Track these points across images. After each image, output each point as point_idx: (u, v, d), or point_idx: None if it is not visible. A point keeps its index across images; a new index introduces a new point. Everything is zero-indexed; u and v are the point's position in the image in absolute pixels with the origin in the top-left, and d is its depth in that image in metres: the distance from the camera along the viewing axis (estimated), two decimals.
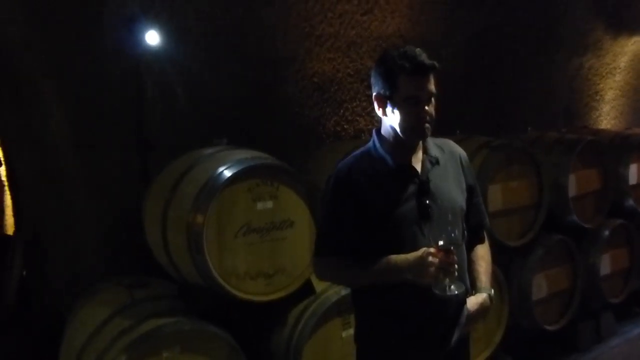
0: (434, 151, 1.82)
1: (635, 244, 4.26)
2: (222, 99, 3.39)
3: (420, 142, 1.81)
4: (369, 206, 1.72)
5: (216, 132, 2.99)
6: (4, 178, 4.32)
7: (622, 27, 5.56)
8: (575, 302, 3.81)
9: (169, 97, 3.22)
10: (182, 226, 2.33)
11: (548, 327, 3.64)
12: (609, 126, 5.98)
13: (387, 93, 1.71)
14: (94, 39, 2.95)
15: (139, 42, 3.02)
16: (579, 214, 3.78)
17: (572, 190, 3.75)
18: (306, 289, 2.57)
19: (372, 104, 4.13)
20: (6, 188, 4.30)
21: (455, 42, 4.37)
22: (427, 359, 1.79)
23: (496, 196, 3.30)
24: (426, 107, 1.70)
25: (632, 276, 4.28)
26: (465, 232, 1.84)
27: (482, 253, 1.94)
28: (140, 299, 2.39)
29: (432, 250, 1.63)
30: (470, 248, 1.91)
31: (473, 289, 1.85)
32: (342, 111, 4.01)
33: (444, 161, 1.82)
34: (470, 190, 1.88)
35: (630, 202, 4.22)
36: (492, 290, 1.87)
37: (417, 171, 1.77)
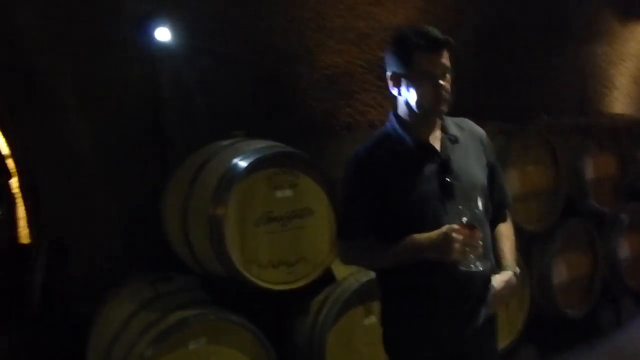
0: (453, 129, 1.81)
1: None
2: (238, 93, 3.41)
3: (439, 121, 1.81)
4: (390, 187, 1.71)
5: (232, 126, 2.99)
6: (16, 190, 4.38)
7: (631, 13, 5.52)
8: (596, 287, 3.79)
9: (185, 93, 3.23)
10: (203, 217, 2.33)
11: (569, 312, 3.61)
12: (620, 112, 5.93)
13: (403, 71, 1.71)
14: (110, 38, 2.98)
15: (154, 40, 3.04)
16: (597, 199, 3.75)
17: (589, 175, 3.72)
18: (327, 277, 2.57)
19: (384, 95, 4.15)
20: (18, 199, 4.37)
21: (465, 32, 4.35)
22: (455, 337, 1.77)
23: (513, 181, 3.27)
24: (442, 82, 1.69)
25: None
26: (490, 209, 1.83)
27: (506, 232, 1.92)
28: (165, 292, 2.39)
29: (456, 226, 1.62)
30: (494, 227, 1.89)
31: (498, 267, 1.84)
32: (354, 102, 4.00)
33: (464, 139, 1.81)
34: (491, 169, 1.86)
35: None
36: (518, 269, 1.85)
37: (437, 150, 1.76)
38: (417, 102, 1.71)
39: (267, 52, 3.50)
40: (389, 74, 1.77)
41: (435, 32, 1.69)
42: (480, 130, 1.89)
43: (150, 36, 3.04)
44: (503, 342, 3.15)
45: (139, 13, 2.99)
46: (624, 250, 4.02)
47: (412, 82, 1.70)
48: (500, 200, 1.92)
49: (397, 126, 1.79)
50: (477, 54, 4.38)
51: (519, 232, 3.19)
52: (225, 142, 2.69)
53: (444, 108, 1.73)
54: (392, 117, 1.82)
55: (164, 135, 3.21)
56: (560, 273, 3.56)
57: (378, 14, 3.88)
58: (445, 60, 1.69)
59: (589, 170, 3.73)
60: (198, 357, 2.19)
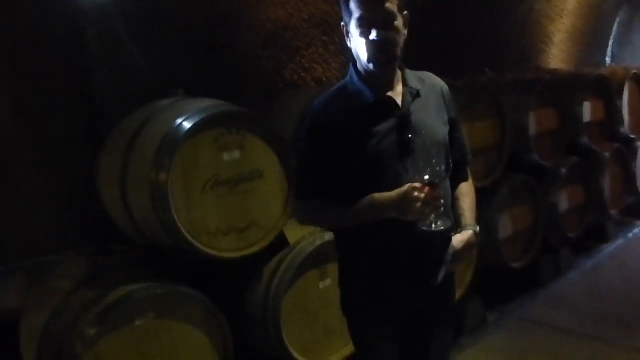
0: (414, 83, 1.72)
1: (590, 181, 4.39)
2: (174, 51, 3.15)
3: (400, 74, 1.71)
4: (347, 143, 1.63)
5: (168, 86, 2.77)
6: None
7: None
8: (538, 239, 3.91)
9: (115, 52, 2.95)
10: (144, 185, 2.14)
11: (514, 264, 3.71)
12: (558, 68, 6.08)
13: (346, 20, 1.64)
14: None
15: None
16: (539, 153, 3.83)
17: (532, 130, 3.78)
18: (280, 242, 2.47)
19: (330, 51, 3.99)
20: None
21: None
22: (413, 297, 1.74)
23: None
24: (381, 31, 1.58)
25: (587, 212, 4.42)
26: (450, 166, 1.77)
27: (466, 190, 1.88)
28: (105, 267, 2.21)
29: (417, 185, 1.55)
30: (454, 185, 1.84)
31: (458, 226, 1.80)
32: (298, 59, 3.83)
33: (425, 93, 1.73)
34: (452, 124, 1.79)
35: (585, 140, 4.31)
36: (478, 227, 1.81)
37: (397, 104, 1.68)
38: (358, 54, 1.63)
39: (204, 5, 3.25)
40: (342, 24, 1.68)
41: None
42: (442, 84, 1.81)
43: None
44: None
45: None
46: (564, 202, 4.15)
47: (352, 32, 1.62)
48: (461, 157, 1.86)
49: (356, 79, 1.69)
50: (422, 9, 4.29)
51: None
52: (164, 102, 2.48)
53: (385, 60, 1.62)
54: (351, 70, 1.71)
55: (92, 99, 2.94)
56: (505, 227, 3.63)
57: None
58: (386, 5, 1.58)
59: (532, 126, 3.78)
60: (146, 333, 2.05)
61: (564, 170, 4.08)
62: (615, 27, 7.03)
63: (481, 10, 5.02)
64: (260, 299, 2.44)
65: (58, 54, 2.81)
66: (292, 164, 2.37)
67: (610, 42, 7.12)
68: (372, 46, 1.59)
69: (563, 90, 4.03)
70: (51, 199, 2.88)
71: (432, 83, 1.78)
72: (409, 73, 1.73)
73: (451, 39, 4.70)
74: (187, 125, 2.13)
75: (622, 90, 4.67)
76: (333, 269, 2.55)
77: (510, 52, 5.59)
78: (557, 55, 6.20)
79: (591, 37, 6.69)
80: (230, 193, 2.25)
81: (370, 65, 1.63)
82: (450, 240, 1.73)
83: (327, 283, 2.57)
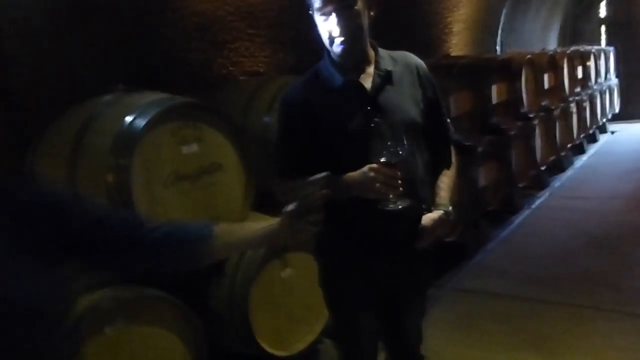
0: (386, 64, 1.74)
1: (501, 157, 4.77)
2: (99, 45, 2.96)
3: (372, 56, 1.75)
4: (317, 125, 1.68)
5: (96, 81, 2.61)
6: None
7: None
8: (463, 213, 4.18)
9: (36, 47, 2.71)
10: (100, 186, 2.01)
11: (446, 239, 3.94)
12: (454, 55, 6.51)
13: (311, 6, 1.67)
14: None
15: None
16: (458, 133, 4.08)
17: (452, 112, 4.03)
18: None
19: (257, 44, 3.96)
20: None
21: None
22: (386, 270, 1.79)
23: None
24: (340, 17, 1.62)
25: (500, 186, 4.80)
26: (424, 147, 1.78)
27: (448, 172, 1.89)
28: (65, 276, 2.03)
29: (374, 165, 1.59)
30: (436, 163, 1.85)
31: (432, 205, 1.83)
32: (226, 52, 3.77)
33: (398, 74, 1.75)
34: (429, 103, 1.79)
35: (495, 119, 4.68)
36: (450, 207, 1.82)
37: (365, 87, 1.71)
38: (323, 40, 1.68)
39: None
40: (309, 12, 1.70)
41: None
42: (417, 63, 1.82)
43: None
44: None
45: None
46: (481, 178, 4.48)
47: (317, 19, 1.67)
48: (442, 137, 1.87)
49: (327, 63, 1.72)
50: None
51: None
52: (106, 98, 2.33)
53: (346, 43, 1.64)
54: (325, 55, 1.74)
55: (12, 99, 2.68)
56: None
57: None
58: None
59: (452, 108, 4.03)
60: (118, 341, 1.93)
61: (480, 148, 4.39)
62: (502, 17, 7.66)
63: (388, 2, 5.24)
64: (226, 293, 2.39)
65: None
66: (250, 155, 2.35)
67: (499, 31, 7.75)
68: (335, 36, 1.63)
69: (475, 74, 4.33)
70: None
71: (405, 62, 1.80)
72: (383, 54, 1.76)
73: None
74: (143, 119, 2.03)
75: (521, 73, 5.12)
76: (293, 257, 2.59)
77: (415, 40, 5.90)
78: (456, 44, 6.64)
79: (484, 26, 7.24)
80: (192, 187, 2.18)
81: (335, 49, 1.66)
82: (420, 219, 1.75)
83: (289, 272, 2.57)
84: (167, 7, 3.33)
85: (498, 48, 7.80)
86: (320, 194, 1.32)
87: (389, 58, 1.78)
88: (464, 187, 4.16)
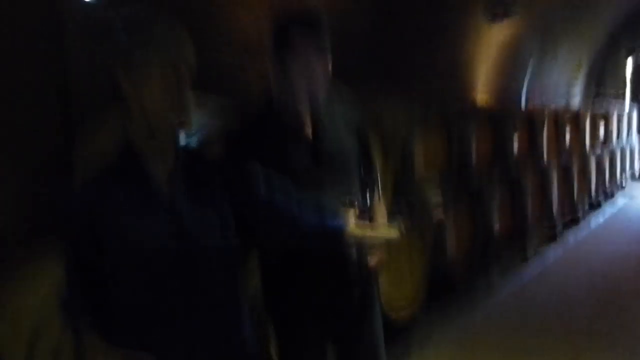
0: (325, 113, 1.73)
1: (518, 207, 4.80)
2: None
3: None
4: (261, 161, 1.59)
5: None
6: None
7: (492, 16, 6.14)
8: (476, 261, 4.21)
9: (92, 42, 2.85)
10: None
11: (459, 285, 3.96)
12: (485, 104, 6.61)
13: (280, 51, 1.64)
14: None
15: None
16: (479, 177, 4.15)
17: (473, 156, 4.11)
18: None
19: None
20: None
21: (358, 21, 4.47)
22: (333, 299, 1.75)
23: (419, 162, 3.48)
24: (317, 71, 1.63)
25: (515, 235, 4.82)
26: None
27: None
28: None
29: None
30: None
31: None
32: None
33: (335, 113, 1.76)
34: (364, 152, 1.84)
35: (514, 169, 4.73)
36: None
37: (307, 132, 1.71)
38: (291, 91, 1.65)
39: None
40: (270, 56, 1.69)
41: (322, 28, 1.63)
42: (352, 100, 1.85)
43: None
44: (400, 313, 3.33)
45: None
46: (497, 226, 4.51)
47: (289, 67, 1.63)
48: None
49: (267, 111, 1.73)
50: (369, 43, 4.54)
51: (425, 205, 3.47)
52: None
53: (315, 108, 1.68)
54: (265, 100, 1.75)
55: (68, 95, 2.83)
56: (450, 249, 3.89)
57: None
58: (326, 58, 1.63)
59: (474, 155, 4.11)
60: None
61: (497, 196, 4.44)
62: (529, 68, 7.77)
63: (418, 48, 5.40)
64: None
65: (35, 41, 2.69)
66: None
67: (525, 81, 7.85)
68: (307, 95, 1.64)
69: (498, 124, 4.41)
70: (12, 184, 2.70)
71: (342, 99, 1.81)
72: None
73: (393, 75, 5.00)
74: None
75: (543, 127, 5.19)
76: None
77: (441, 87, 6.02)
78: (481, 92, 6.75)
79: (510, 77, 7.35)
80: None
81: (298, 111, 1.67)
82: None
83: None
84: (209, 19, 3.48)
85: (523, 99, 7.90)
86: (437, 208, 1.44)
87: (328, 109, 1.75)
88: (478, 235, 4.20)
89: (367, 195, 1.80)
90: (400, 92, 4.87)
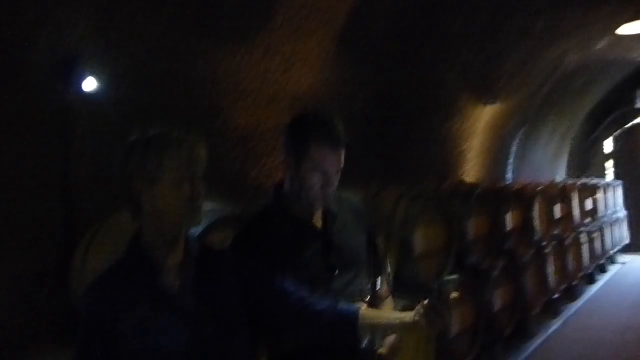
0: (333, 205, 1.79)
1: (515, 282, 4.87)
2: None
3: None
4: (275, 266, 1.61)
5: None
6: None
7: (480, 97, 6.51)
8: (480, 337, 4.21)
9: (98, 145, 3.01)
10: None
11: None
12: (472, 181, 6.83)
13: (296, 155, 1.68)
14: (21, 80, 2.69)
15: (70, 86, 2.83)
16: (476, 256, 4.24)
17: (471, 235, 4.22)
18: None
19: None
20: None
21: (357, 102, 4.75)
22: None
23: (419, 241, 3.58)
24: (333, 181, 1.69)
25: (515, 310, 4.84)
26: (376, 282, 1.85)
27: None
28: None
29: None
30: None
31: None
32: (261, 165, 4.07)
33: (344, 216, 1.81)
34: (371, 243, 1.89)
35: (509, 244, 4.84)
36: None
37: (319, 229, 1.75)
38: (300, 191, 1.70)
39: (183, 107, 3.44)
40: (285, 154, 1.74)
41: (338, 128, 1.66)
42: (358, 205, 1.92)
43: (67, 82, 2.83)
44: None
45: (56, 56, 2.76)
46: (497, 303, 4.55)
47: (305, 171, 1.67)
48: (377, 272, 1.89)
49: (280, 204, 1.77)
50: (366, 121, 4.79)
51: (423, 288, 3.54)
52: None
53: (327, 203, 1.73)
54: (273, 192, 1.81)
55: (71, 189, 2.94)
56: (453, 325, 3.90)
57: (287, 81, 4.07)
58: (341, 160, 1.68)
59: (470, 232, 4.23)
60: None
61: (495, 273, 4.51)
62: (514, 146, 8.10)
63: (415, 128, 5.67)
64: None
65: (42, 143, 2.82)
66: None
67: (511, 159, 8.15)
68: (322, 192, 1.68)
69: (491, 202, 4.57)
70: (16, 289, 2.73)
71: (349, 203, 1.86)
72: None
73: (390, 153, 5.23)
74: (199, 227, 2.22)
75: (533, 202, 5.37)
76: None
77: (434, 164, 6.26)
78: (470, 170, 7.00)
79: (497, 154, 7.65)
80: None
81: (310, 205, 1.71)
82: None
83: None
84: (215, 120, 3.68)
85: (510, 175, 8.16)
86: (452, 292, 1.48)
87: (333, 200, 1.79)
88: (480, 311, 4.23)
89: (378, 284, 1.85)
90: (396, 175, 5.11)
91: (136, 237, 1.52)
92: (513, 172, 8.22)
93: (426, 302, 1.47)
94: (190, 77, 3.43)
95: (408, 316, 1.51)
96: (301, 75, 4.18)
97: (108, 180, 2.96)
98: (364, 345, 1.63)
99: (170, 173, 1.43)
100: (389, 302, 1.86)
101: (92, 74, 2.89)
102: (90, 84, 2.90)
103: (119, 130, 3.02)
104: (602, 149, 10.24)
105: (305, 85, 4.25)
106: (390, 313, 1.62)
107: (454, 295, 1.46)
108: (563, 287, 6.15)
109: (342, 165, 1.70)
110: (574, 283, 6.52)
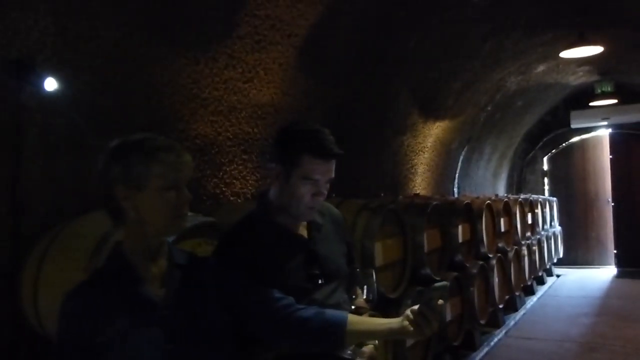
0: (317, 217, 1.82)
1: (464, 294, 5.02)
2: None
3: None
4: (260, 275, 1.61)
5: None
6: None
7: (430, 113, 6.73)
8: (432, 347, 4.30)
9: (52, 151, 2.87)
10: None
11: None
12: (424, 195, 7.02)
13: (285, 165, 1.69)
14: None
15: (24, 85, 2.69)
16: (430, 268, 4.34)
17: (425, 248, 4.31)
18: None
19: (248, 169, 4.23)
20: None
21: (316, 114, 4.79)
22: None
23: (379, 253, 3.63)
24: (323, 191, 1.71)
25: (464, 321, 4.99)
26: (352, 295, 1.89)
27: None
28: None
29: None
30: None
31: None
32: (221, 174, 4.01)
33: (327, 226, 1.84)
34: (349, 253, 1.94)
35: (460, 257, 4.99)
36: (377, 341, 1.84)
37: (305, 238, 1.77)
38: (290, 201, 1.70)
39: (141, 114, 3.35)
40: (273, 161, 1.74)
41: (330, 140, 1.67)
42: (340, 216, 1.95)
43: (19, 84, 2.69)
44: None
45: (7, 56, 2.63)
46: (448, 313, 4.66)
47: (295, 181, 1.68)
48: (354, 280, 1.94)
49: (265, 212, 1.78)
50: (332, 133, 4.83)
51: (384, 299, 3.60)
52: None
53: (315, 213, 1.76)
54: (260, 200, 1.82)
55: (20, 197, 2.78)
56: None
57: (248, 90, 4.05)
58: (332, 170, 1.70)
59: (425, 244, 4.33)
60: None
61: (448, 283, 4.63)
62: (459, 163, 8.41)
63: (368, 142, 5.78)
64: None
65: None
66: None
67: (457, 175, 8.45)
68: (312, 202, 1.69)
69: (444, 215, 4.71)
70: None
71: (331, 214, 1.90)
72: None
73: (344, 166, 5.29)
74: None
75: (482, 216, 5.58)
76: None
77: (385, 178, 6.39)
78: (420, 184, 7.19)
79: (444, 170, 7.91)
80: None
81: (301, 215, 1.73)
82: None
83: None
84: (174, 127, 3.60)
85: (455, 190, 8.45)
86: (440, 300, 1.49)
87: (317, 211, 1.80)
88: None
89: (358, 294, 1.88)
90: (351, 186, 5.17)
91: (117, 244, 1.47)
92: (458, 188, 8.52)
93: (415, 308, 1.49)
94: (151, 83, 3.35)
95: (395, 322, 1.52)
96: (263, 85, 4.17)
97: (62, 184, 2.89)
98: (348, 355, 1.64)
99: (156, 180, 1.40)
100: (366, 312, 1.87)
101: (48, 74, 2.77)
102: (46, 85, 2.78)
103: (75, 133, 2.94)
104: (541, 167, 10.78)
105: (266, 95, 4.25)
106: (376, 319, 1.63)
107: (441, 302, 1.49)
108: (506, 298, 6.39)
109: (332, 176, 1.70)
110: (516, 294, 6.79)
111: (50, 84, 2.79)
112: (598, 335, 5.89)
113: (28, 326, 2.49)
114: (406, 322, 1.50)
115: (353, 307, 1.77)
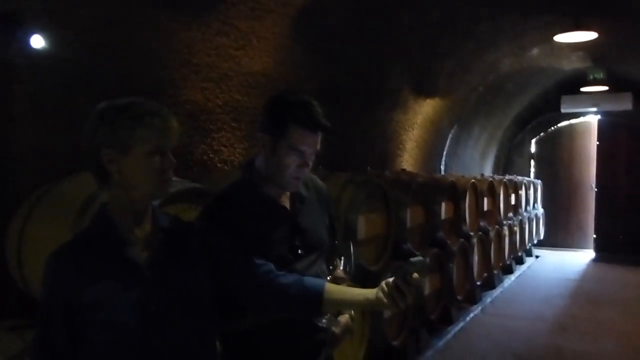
0: (302, 188, 1.83)
1: (443, 269, 5.13)
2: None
3: None
4: (243, 242, 1.63)
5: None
6: None
7: (421, 91, 6.74)
8: (409, 320, 4.42)
9: (42, 110, 2.86)
10: None
11: (394, 343, 4.13)
12: (411, 171, 7.08)
13: (273, 136, 1.69)
14: None
15: (10, 45, 2.67)
16: (411, 243, 4.44)
17: (407, 223, 4.39)
18: None
19: (236, 137, 4.24)
20: None
21: (308, 86, 4.78)
22: None
23: (362, 226, 3.70)
24: (309, 162, 1.72)
25: (442, 296, 5.12)
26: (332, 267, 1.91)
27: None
28: None
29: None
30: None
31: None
32: (209, 140, 4.02)
33: (310, 198, 1.85)
34: (331, 222, 1.96)
35: (441, 234, 5.09)
36: (352, 311, 1.91)
37: (288, 210, 1.78)
38: (276, 171, 1.71)
39: (133, 78, 3.33)
40: (261, 130, 1.74)
41: (318, 112, 1.67)
42: (324, 188, 1.95)
43: (7, 40, 2.66)
44: None
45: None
46: (426, 288, 4.78)
47: (281, 151, 1.68)
48: (333, 251, 1.97)
49: (253, 179, 1.79)
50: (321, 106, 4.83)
51: (365, 272, 3.68)
52: None
53: (300, 184, 1.77)
54: (248, 168, 1.82)
55: (8, 161, 2.78)
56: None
57: (240, 58, 4.03)
58: (318, 142, 1.70)
59: (408, 221, 4.41)
60: None
61: (428, 259, 4.74)
62: (447, 142, 8.46)
63: (359, 117, 5.79)
64: None
65: None
66: None
67: (444, 153, 8.52)
68: (297, 172, 1.70)
69: (428, 192, 4.78)
70: None
71: (315, 187, 1.90)
72: None
73: (335, 140, 5.30)
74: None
75: (465, 195, 5.66)
76: None
77: (374, 153, 6.43)
78: (407, 160, 7.24)
79: (432, 147, 7.96)
80: None
81: (286, 185, 1.74)
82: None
83: None
84: (165, 92, 3.59)
85: (442, 168, 8.53)
86: (415, 273, 1.52)
87: (302, 183, 1.81)
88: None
89: (335, 265, 1.91)
90: (340, 160, 5.20)
91: (103, 206, 1.50)
92: (445, 166, 8.60)
93: (390, 280, 1.54)
94: (142, 47, 3.32)
95: (371, 293, 1.57)
96: (255, 53, 4.15)
97: (51, 145, 2.89)
98: (324, 323, 1.70)
99: (142, 143, 1.41)
100: (345, 283, 1.91)
101: (38, 32, 2.74)
102: (35, 42, 2.75)
103: (65, 93, 2.93)
104: (529, 150, 10.89)
105: (259, 64, 4.23)
106: (354, 289, 1.68)
107: (416, 276, 1.54)
108: (484, 276, 6.54)
109: (319, 148, 1.72)
110: (494, 272, 6.95)
111: (38, 42, 2.76)
112: (570, 317, 6.07)
113: (14, 283, 2.52)
114: (380, 294, 1.55)
115: (330, 277, 1.82)
